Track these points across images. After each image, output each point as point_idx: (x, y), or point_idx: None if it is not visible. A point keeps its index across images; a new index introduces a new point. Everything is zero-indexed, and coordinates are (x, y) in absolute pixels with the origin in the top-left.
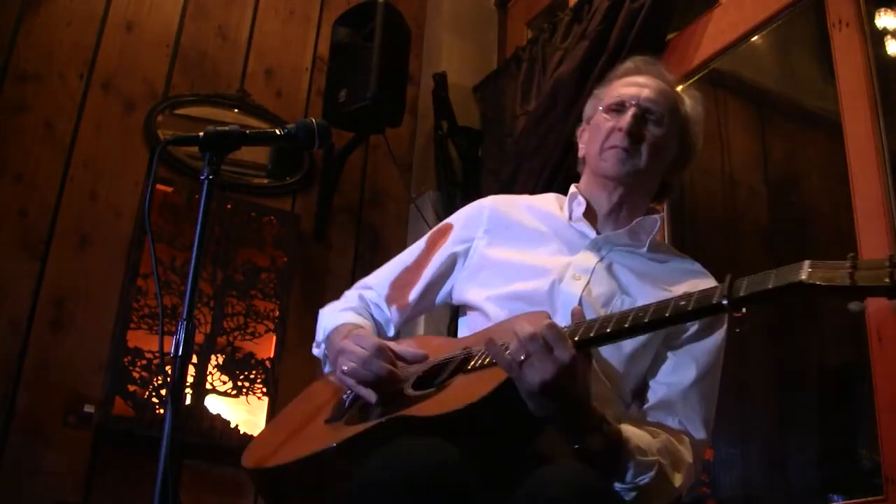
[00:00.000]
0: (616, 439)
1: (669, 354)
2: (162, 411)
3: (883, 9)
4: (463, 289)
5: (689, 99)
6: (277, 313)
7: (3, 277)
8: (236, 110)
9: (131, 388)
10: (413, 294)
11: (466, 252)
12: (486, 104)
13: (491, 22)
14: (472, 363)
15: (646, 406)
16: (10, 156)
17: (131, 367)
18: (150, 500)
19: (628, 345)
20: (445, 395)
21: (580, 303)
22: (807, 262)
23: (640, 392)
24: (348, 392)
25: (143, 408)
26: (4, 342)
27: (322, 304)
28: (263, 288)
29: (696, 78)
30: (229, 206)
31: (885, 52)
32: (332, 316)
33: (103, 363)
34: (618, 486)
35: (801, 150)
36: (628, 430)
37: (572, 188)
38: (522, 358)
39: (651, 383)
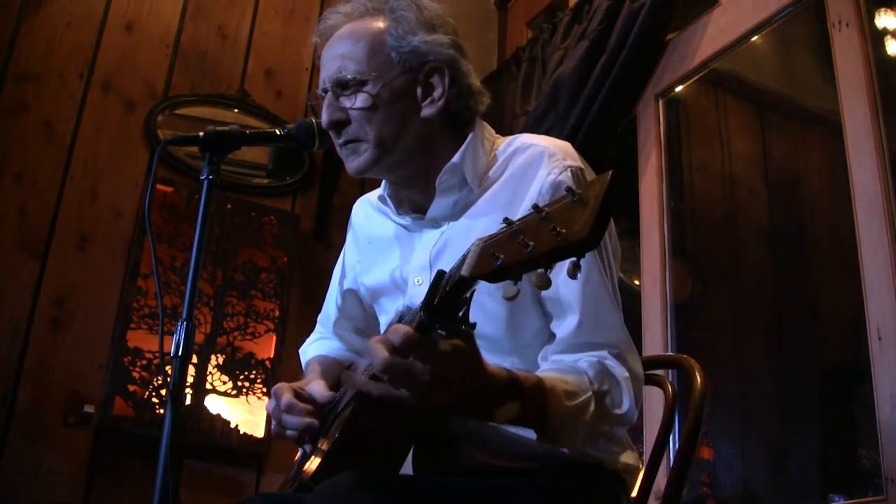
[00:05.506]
0: (535, 396)
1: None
2: (162, 411)
3: (883, 9)
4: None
5: (396, 12)
6: (277, 313)
7: (3, 277)
8: (236, 110)
9: (131, 388)
10: (349, 327)
11: (355, 280)
12: None
13: (491, 22)
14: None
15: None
16: (10, 156)
17: (131, 367)
18: (150, 500)
19: (500, 311)
20: (328, 437)
21: None
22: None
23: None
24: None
25: (143, 408)
26: (4, 342)
27: (322, 305)
28: (263, 288)
29: (696, 78)
30: (229, 206)
31: (885, 52)
32: (303, 353)
33: (103, 363)
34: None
35: (801, 150)
36: (551, 378)
37: (383, 185)
38: (388, 381)
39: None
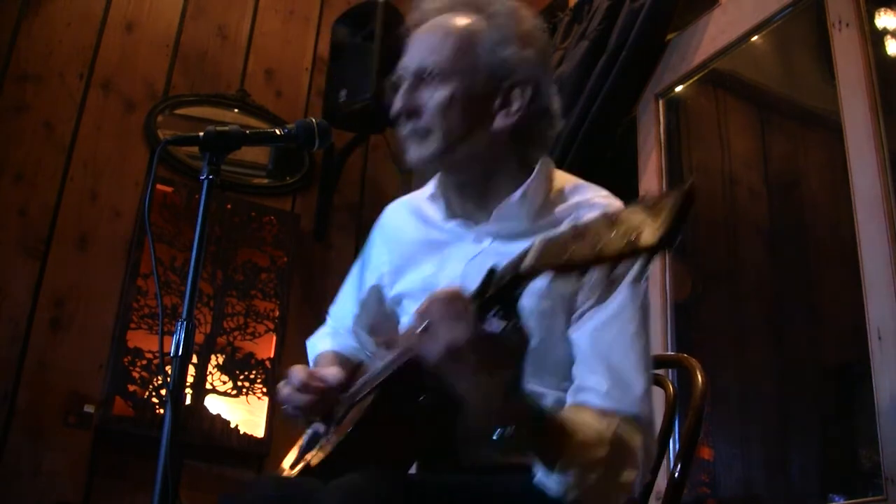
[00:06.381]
0: (551, 434)
1: (571, 333)
2: (162, 411)
3: (883, 9)
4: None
5: (496, 18)
6: (277, 313)
7: (3, 277)
8: (236, 110)
9: (131, 388)
10: (367, 325)
11: (381, 279)
12: None
13: None
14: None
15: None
16: (10, 156)
17: (131, 367)
18: (150, 501)
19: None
20: (342, 427)
21: None
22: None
23: None
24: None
25: (143, 408)
26: (4, 342)
27: (322, 304)
28: (263, 288)
29: (696, 78)
30: (229, 206)
31: (885, 52)
32: (312, 346)
33: (103, 363)
34: (553, 483)
35: (801, 150)
36: (572, 422)
37: (434, 185)
38: (422, 328)
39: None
